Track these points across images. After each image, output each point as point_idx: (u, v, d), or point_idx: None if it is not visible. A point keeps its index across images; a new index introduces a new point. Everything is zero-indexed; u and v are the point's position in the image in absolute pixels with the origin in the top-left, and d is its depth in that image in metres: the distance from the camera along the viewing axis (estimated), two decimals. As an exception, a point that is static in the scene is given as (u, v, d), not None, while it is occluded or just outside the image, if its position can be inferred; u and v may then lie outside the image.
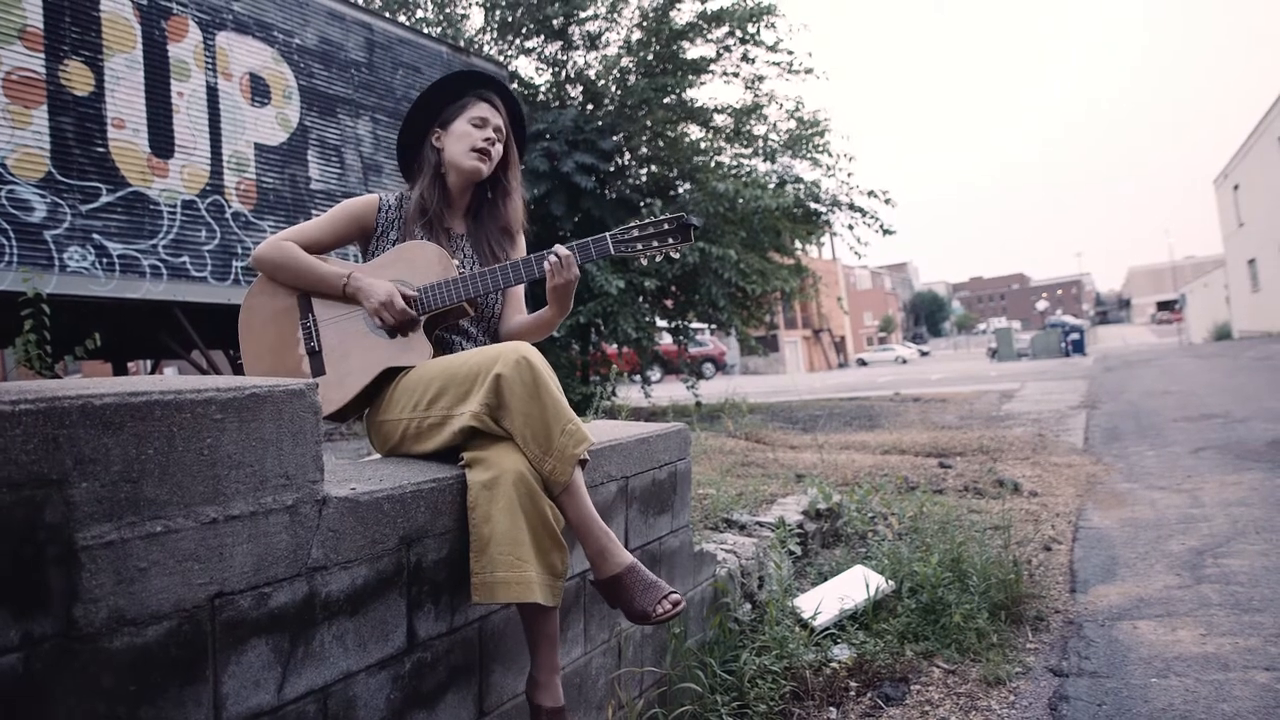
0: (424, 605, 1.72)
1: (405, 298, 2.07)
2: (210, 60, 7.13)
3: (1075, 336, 35.48)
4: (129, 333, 7.30)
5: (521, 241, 2.38)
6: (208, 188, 7.03)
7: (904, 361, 50.52)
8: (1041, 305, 68.01)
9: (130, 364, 10.01)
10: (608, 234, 2.08)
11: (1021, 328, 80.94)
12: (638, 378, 12.73)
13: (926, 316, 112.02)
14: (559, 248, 2.05)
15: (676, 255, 2.15)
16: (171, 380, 1.34)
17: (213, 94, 7.12)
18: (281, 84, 7.78)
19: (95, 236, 6.16)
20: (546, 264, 2.03)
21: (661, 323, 12.33)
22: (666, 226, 2.07)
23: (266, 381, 1.42)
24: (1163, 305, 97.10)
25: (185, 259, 6.72)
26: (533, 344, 2.08)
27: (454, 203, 2.31)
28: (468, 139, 2.22)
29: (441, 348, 2.16)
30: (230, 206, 7.20)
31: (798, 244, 13.59)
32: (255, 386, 1.38)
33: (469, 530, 1.77)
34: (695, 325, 12.47)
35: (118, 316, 6.66)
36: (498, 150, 2.27)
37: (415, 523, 1.70)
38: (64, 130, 6.04)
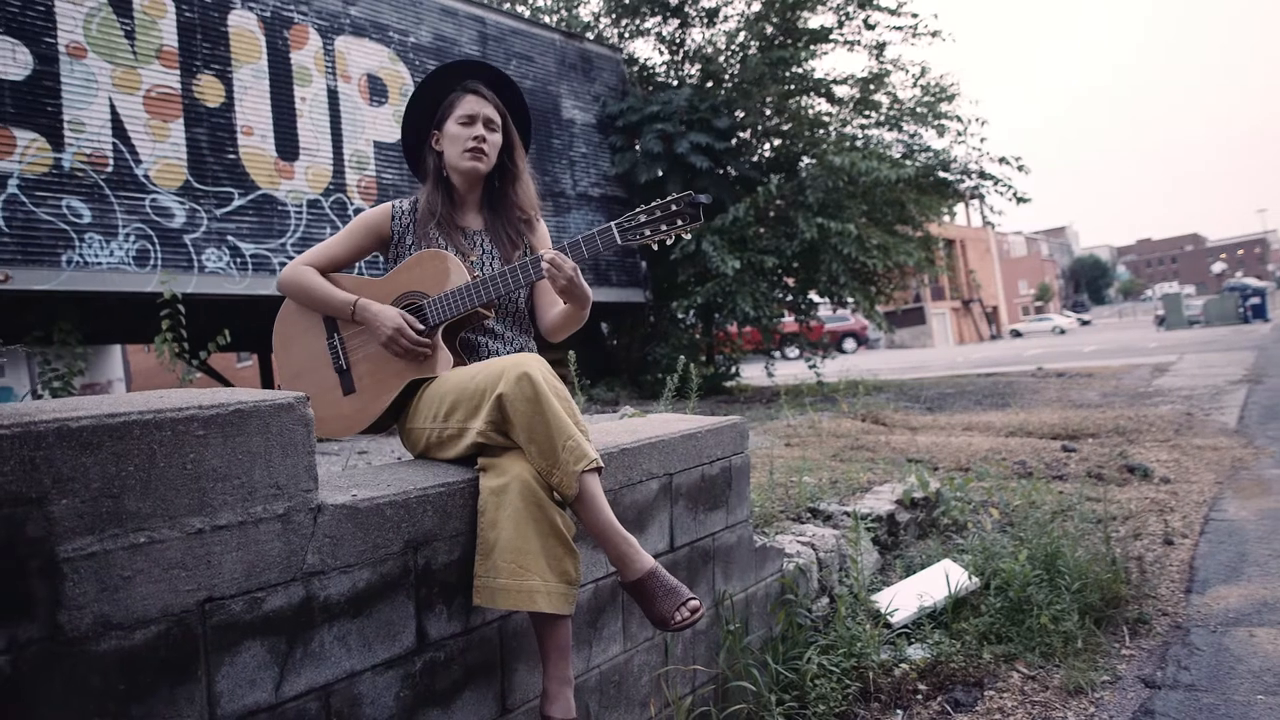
0: (434, 606, 1.77)
1: (417, 307, 2.12)
2: (330, 64, 7.49)
3: (1255, 301, 32.53)
4: (266, 328, 7.81)
5: (542, 226, 2.38)
6: (331, 186, 7.41)
7: (1062, 332, 47.78)
8: (1218, 267, 62.43)
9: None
10: (613, 224, 2.04)
11: (1195, 292, 74.86)
12: (777, 354, 12.57)
13: (1088, 283, 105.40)
14: (546, 252, 2.03)
15: (688, 236, 2.07)
16: (155, 398, 1.42)
17: (333, 96, 7.49)
18: (398, 82, 8.08)
19: (229, 238, 6.61)
20: (544, 268, 2.02)
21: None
22: (674, 208, 2.01)
23: (253, 396, 1.49)
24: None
25: (312, 256, 7.10)
26: (583, 327, 2.07)
27: (464, 200, 2.32)
28: (459, 141, 2.22)
29: (467, 349, 2.20)
30: (353, 203, 7.57)
31: (932, 215, 13.02)
32: (240, 402, 1.45)
33: (477, 534, 1.80)
34: (816, 300, 12.16)
35: (252, 312, 7.13)
36: (494, 141, 2.26)
37: (422, 527, 1.74)
38: (199, 140, 6.50)
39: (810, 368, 11.14)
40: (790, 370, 13.68)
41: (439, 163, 2.29)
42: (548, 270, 2.03)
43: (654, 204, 2.04)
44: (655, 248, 2.02)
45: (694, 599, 1.81)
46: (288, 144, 7.11)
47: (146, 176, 6.19)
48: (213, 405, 1.41)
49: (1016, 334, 52.09)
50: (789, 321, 12.44)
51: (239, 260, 6.65)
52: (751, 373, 13.17)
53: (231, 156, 6.70)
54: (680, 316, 11.62)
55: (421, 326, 2.10)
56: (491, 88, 2.33)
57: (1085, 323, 60.53)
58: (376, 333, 2.12)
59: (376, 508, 1.66)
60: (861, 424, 7.34)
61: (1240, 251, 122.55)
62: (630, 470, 2.30)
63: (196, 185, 6.45)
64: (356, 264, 2.39)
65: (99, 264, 5.89)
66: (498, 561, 1.73)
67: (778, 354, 12.21)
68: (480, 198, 2.34)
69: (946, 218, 14.78)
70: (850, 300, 11.60)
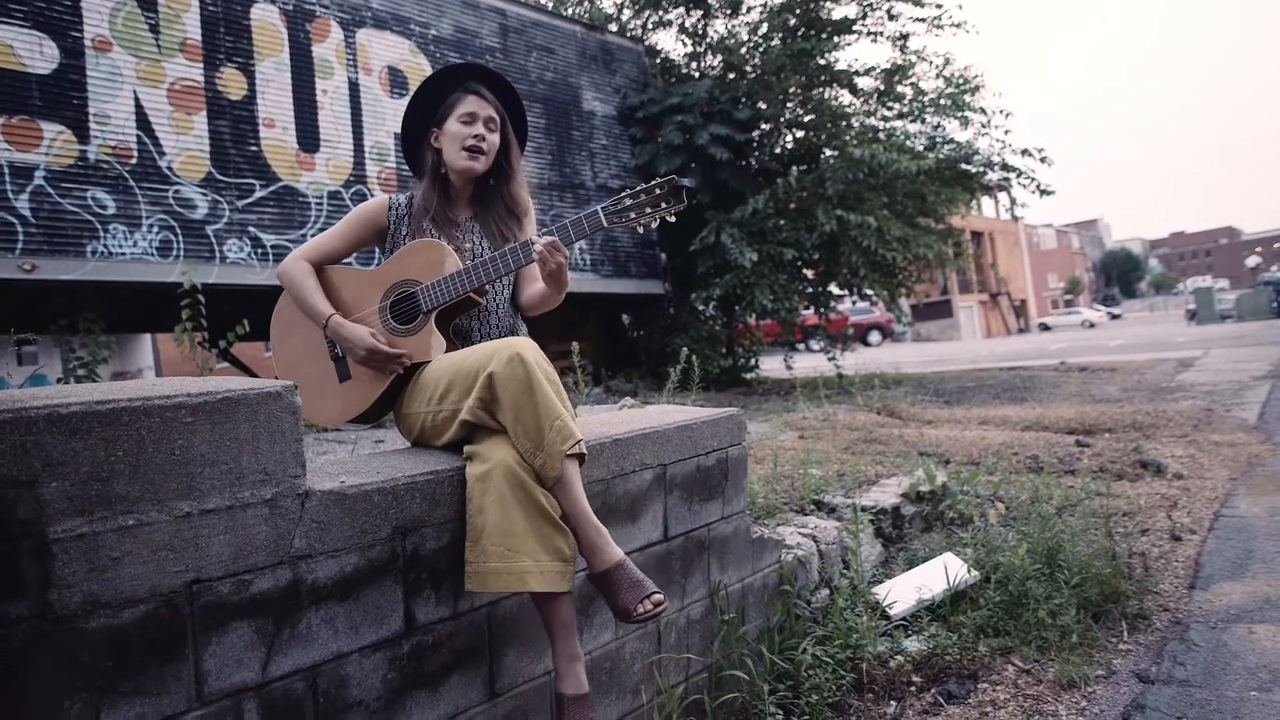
0: (423, 591, 1.81)
1: (411, 294, 2.17)
2: (351, 57, 7.56)
3: (1289, 295, 31.95)
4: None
5: (531, 218, 2.43)
6: (351, 178, 7.49)
7: (1091, 325, 47.33)
8: (1252, 261, 61.21)
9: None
10: (599, 207, 2.09)
11: (1229, 286, 73.58)
12: (801, 346, 12.44)
13: (1119, 276, 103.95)
14: (535, 238, 2.07)
15: (672, 219, 2.10)
16: (147, 386, 1.47)
17: (354, 89, 7.56)
18: (419, 74, 8.13)
19: (251, 229, 6.70)
20: (534, 253, 2.06)
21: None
22: (658, 191, 2.06)
23: (241, 384, 1.53)
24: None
25: (332, 246, 7.19)
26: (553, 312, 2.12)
27: (457, 196, 2.38)
28: (459, 138, 2.28)
29: (460, 335, 2.25)
30: (373, 195, 7.63)
31: (953, 208, 12.89)
32: (228, 390, 1.50)
33: (466, 522, 1.85)
34: (837, 293, 12.10)
35: (274, 303, 7.23)
36: (492, 141, 2.32)
37: (410, 513, 1.79)
38: (221, 133, 6.59)
39: (829, 360, 11.10)
40: (810, 363, 13.63)
41: (437, 159, 2.34)
42: (541, 254, 2.07)
43: (639, 188, 2.09)
44: (641, 230, 2.06)
45: (658, 593, 1.84)
46: (309, 136, 7.19)
47: (170, 168, 6.29)
48: (201, 393, 1.46)
49: (1045, 327, 51.66)
50: (809, 314, 12.39)
51: (260, 251, 6.74)
52: (772, 365, 13.15)
53: (253, 148, 6.79)
54: (700, 308, 11.61)
55: (389, 349, 2.15)
56: (492, 91, 2.38)
57: (1115, 316, 59.85)
58: (352, 354, 2.21)
59: (365, 494, 1.70)
60: (876, 417, 7.32)
61: (1277, 245, 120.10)
62: (623, 460, 2.33)
63: (219, 177, 6.55)
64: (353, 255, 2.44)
65: (123, 254, 6.00)
66: (486, 546, 1.78)
67: (801, 346, 12.12)
68: (473, 194, 2.39)
69: (974, 210, 14.65)
70: (870, 293, 11.53)
